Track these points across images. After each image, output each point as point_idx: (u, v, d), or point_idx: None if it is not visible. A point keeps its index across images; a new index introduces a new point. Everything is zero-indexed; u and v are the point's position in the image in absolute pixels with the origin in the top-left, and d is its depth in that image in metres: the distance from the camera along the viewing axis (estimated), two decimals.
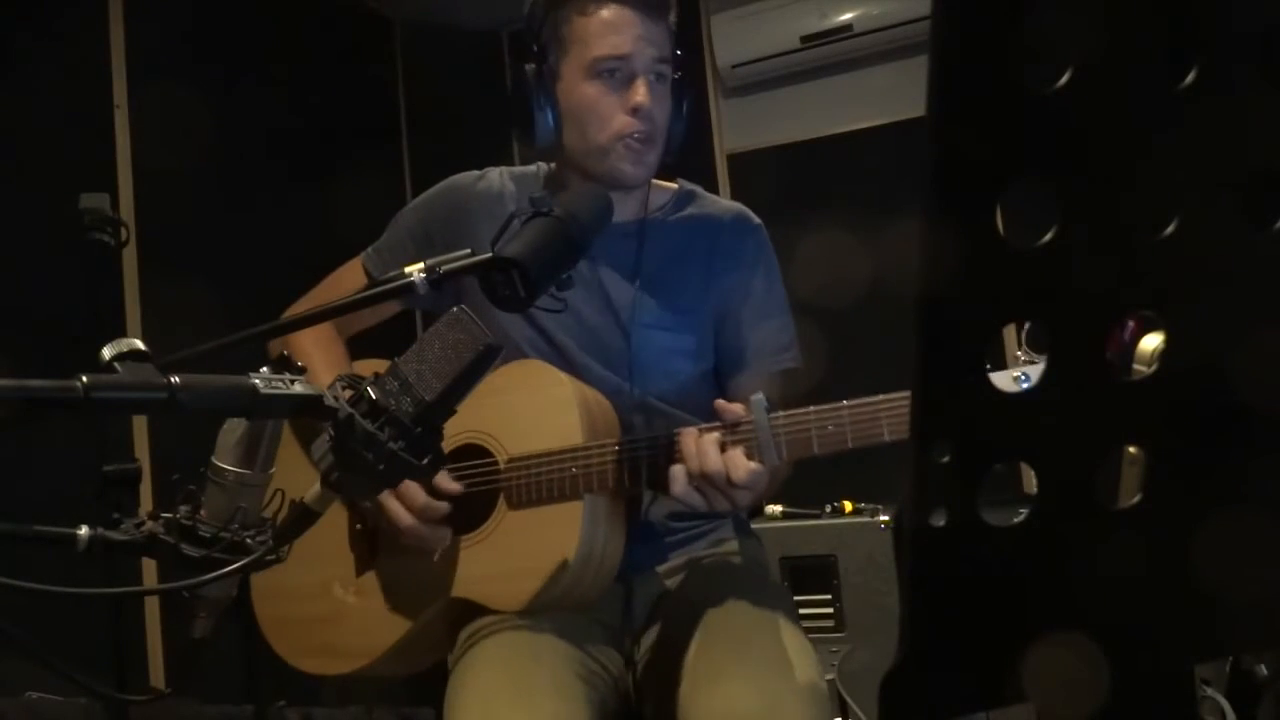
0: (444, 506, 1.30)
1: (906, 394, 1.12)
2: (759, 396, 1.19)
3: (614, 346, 1.41)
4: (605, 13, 1.34)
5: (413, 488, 1.28)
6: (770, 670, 1.19)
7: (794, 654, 1.23)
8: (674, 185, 1.53)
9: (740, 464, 1.17)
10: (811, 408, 1.19)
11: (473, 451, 1.36)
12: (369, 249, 1.52)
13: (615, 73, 1.35)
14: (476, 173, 1.52)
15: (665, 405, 1.41)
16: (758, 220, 1.52)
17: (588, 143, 1.38)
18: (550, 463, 1.29)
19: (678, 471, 1.20)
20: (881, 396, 1.16)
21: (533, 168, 1.53)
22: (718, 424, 1.22)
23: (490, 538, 1.32)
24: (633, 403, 1.39)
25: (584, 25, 1.35)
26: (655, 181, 1.50)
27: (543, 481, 1.29)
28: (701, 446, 1.19)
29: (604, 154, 1.37)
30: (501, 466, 1.33)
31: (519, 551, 1.29)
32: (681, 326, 1.44)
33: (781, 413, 1.20)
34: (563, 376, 1.34)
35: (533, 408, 1.32)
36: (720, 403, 1.23)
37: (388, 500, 1.29)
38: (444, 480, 1.30)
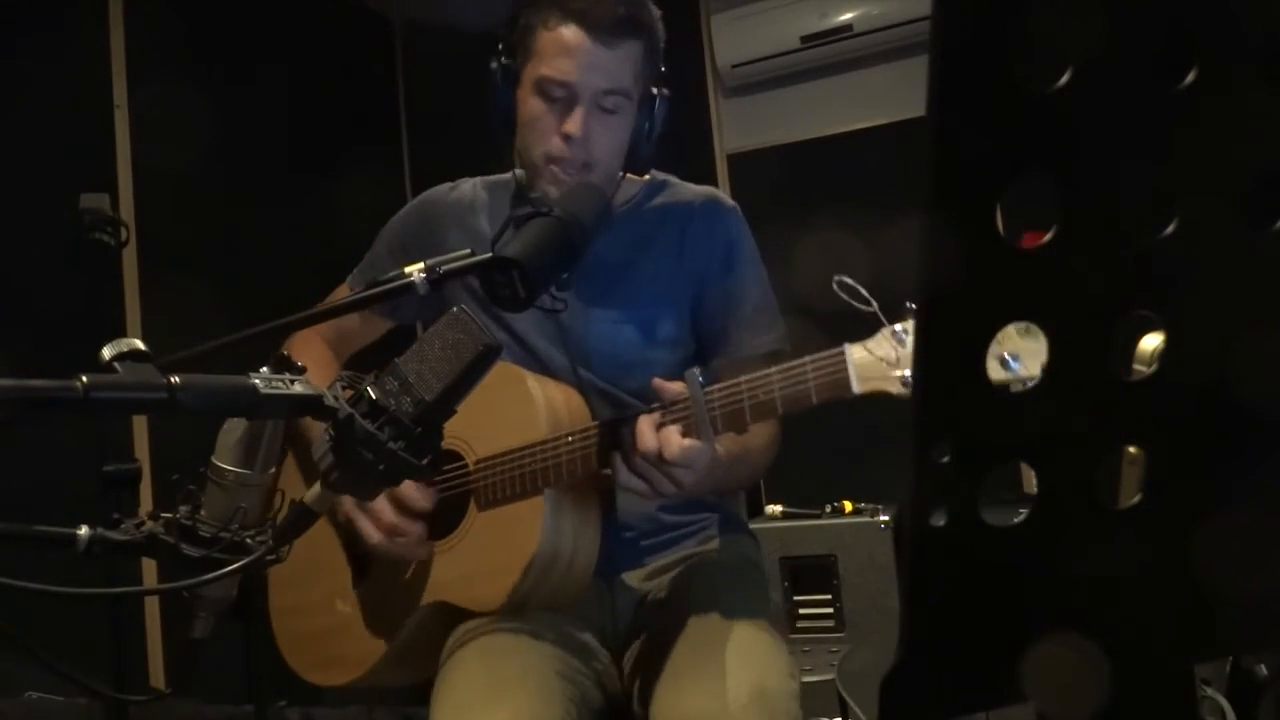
0: (412, 528, 1.30)
1: (832, 352, 1.13)
2: (693, 371, 1.17)
3: (581, 344, 1.41)
4: (564, 32, 1.30)
5: (382, 506, 1.29)
6: (728, 674, 1.18)
7: (759, 655, 1.23)
8: (646, 178, 1.50)
9: (672, 441, 1.15)
10: (744, 378, 1.17)
11: (446, 456, 1.36)
12: (355, 270, 1.54)
13: (558, 95, 1.32)
14: (450, 184, 1.53)
15: (641, 399, 1.40)
16: (731, 203, 1.50)
17: (524, 154, 1.38)
18: (513, 460, 1.29)
19: (617, 458, 1.19)
20: (809, 358, 1.14)
21: (507, 175, 1.52)
22: (658, 404, 1.20)
23: (463, 541, 1.33)
24: (605, 399, 1.39)
25: (543, 39, 1.32)
26: (628, 176, 1.48)
27: (506, 480, 1.29)
28: (638, 427, 1.17)
29: (536, 170, 1.36)
30: (471, 469, 1.33)
31: (488, 551, 1.30)
32: (652, 318, 1.42)
33: (716, 385, 1.17)
34: (524, 374, 1.34)
35: (497, 407, 1.32)
36: (658, 381, 1.21)
37: (358, 516, 1.30)
38: (412, 491, 1.30)
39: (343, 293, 1.52)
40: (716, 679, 1.18)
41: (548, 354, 1.41)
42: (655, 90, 1.38)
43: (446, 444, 1.35)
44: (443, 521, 1.34)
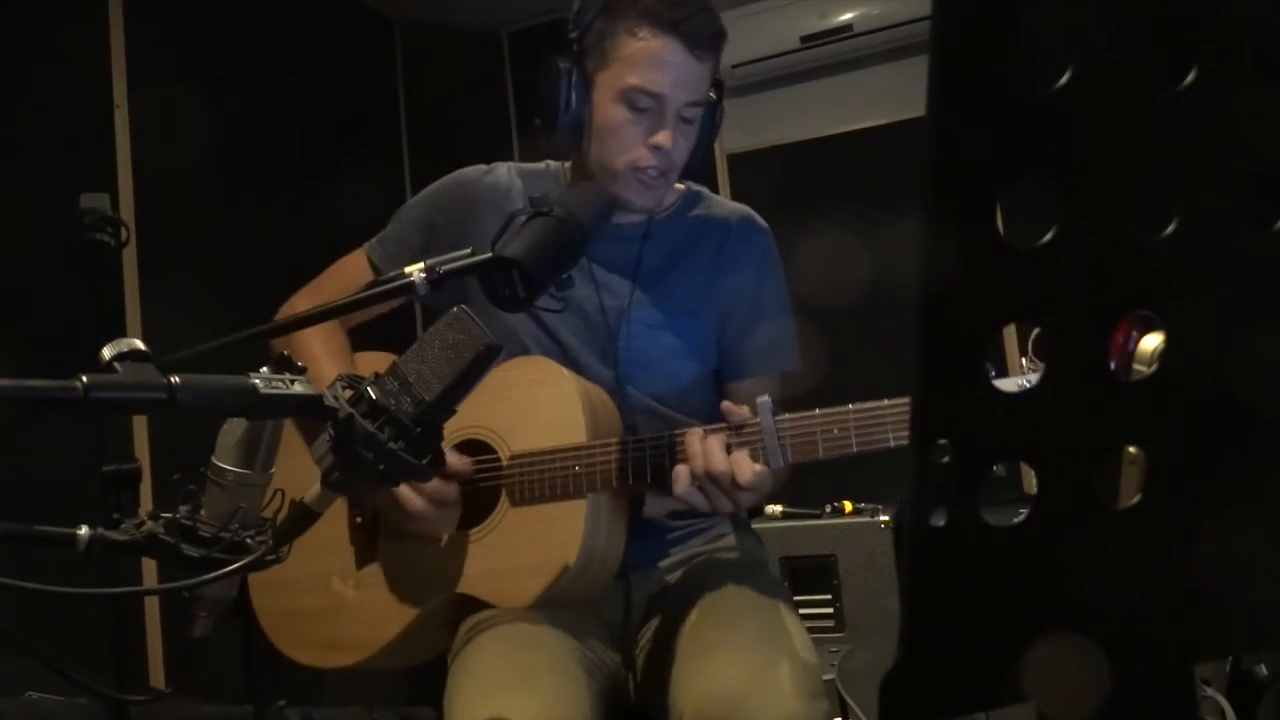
0: (454, 490, 1.30)
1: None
2: (765, 399, 1.20)
3: (612, 346, 1.41)
4: (654, 43, 1.30)
5: None
6: (757, 647, 1.19)
7: (783, 632, 1.23)
8: (681, 186, 1.52)
9: (746, 466, 1.17)
10: (817, 411, 1.19)
11: (475, 447, 1.36)
12: (373, 240, 1.51)
13: (645, 105, 1.32)
14: (484, 166, 1.51)
15: (665, 405, 1.42)
16: (764, 223, 1.52)
17: (603, 161, 1.37)
18: (554, 460, 1.29)
19: (681, 471, 1.21)
20: (887, 401, 1.16)
21: (541, 165, 1.52)
22: (723, 425, 1.22)
23: (492, 534, 1.32)
24: (631, 402, 1.39)
25: (629, 47, 1.31)
26: None
27: (546, 479, 1.29)
28: (708, 447, 1.19)
29: (616, 177, 1.36)
30: (504, 463, 1.33)
31: (521, 549, 1.30)
32: (683, 327, 1.44)
33: (788, 415, 1.20)
34: (567, 374, 1.34)
35: (537, 405, 1.33)
36: (727, 404, 1.23)
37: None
38: (453, 459, 1.30)
39: (359, 260, 1.50)
40: (749, 648, 1.18)
41: (580, 353, 1.41)
42: (713, 96, 1.40)
43: (477, 435, 1.36)
44: (467, 512, 1.34)
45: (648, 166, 1.35)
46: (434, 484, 1.28)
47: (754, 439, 1.20)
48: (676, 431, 1.25)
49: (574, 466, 1.27)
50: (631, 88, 1.31)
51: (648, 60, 1.31)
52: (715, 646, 1.20)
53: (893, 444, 1.15)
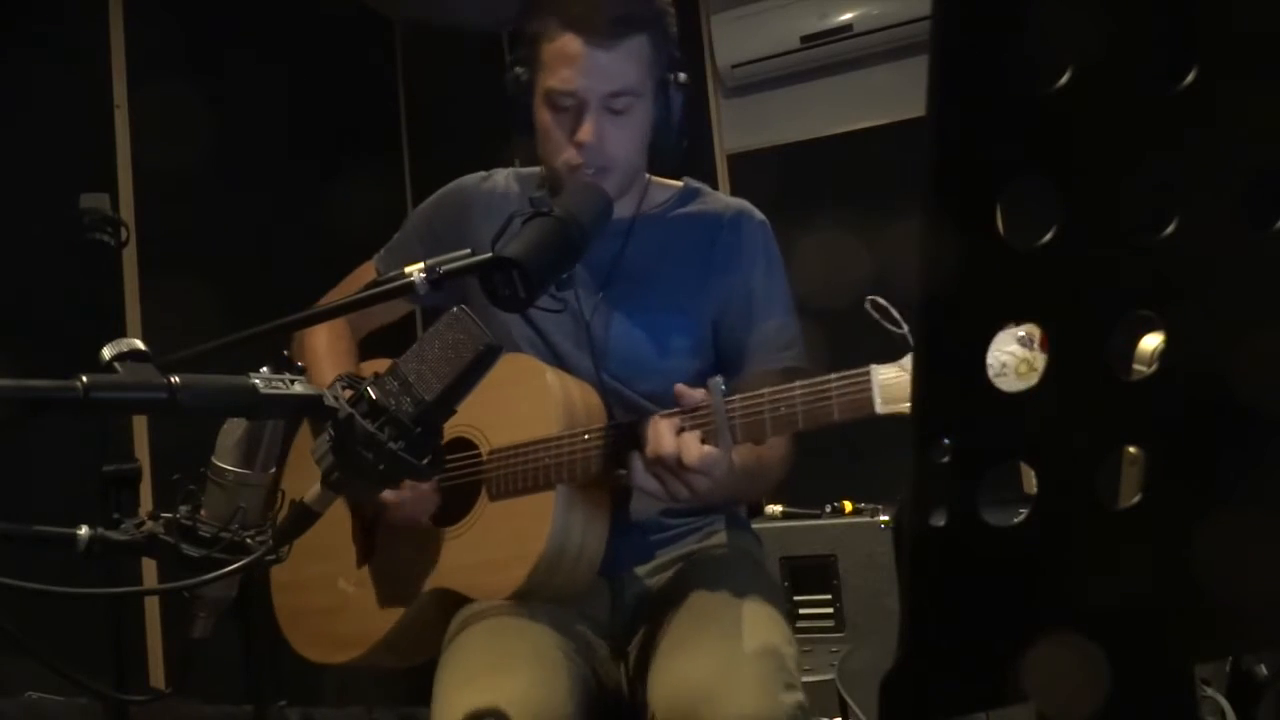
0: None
1: (858, 372, 1.14)
2: (717, 379, 1.19)
3: (600, 344, 1.41)
4: (561, 41, 1.31)
5: None
6: (726, 641, 1.19)
7: (756, 624, 1.23)
8: (678, 183, 1.52)
9: (692, 447, 1.16)
10: (766, 389, 1.19)
11: (461, 445, 1.37)
12: (382, 250, 1.54)
13: (566, 104, 1.33)
14: (483, 174, 1.53)
15: (656, 403, 1.41)
16: (761, 216, 1.51)
17: (545, 163, 1.40)
18: (526, 453, 1.30)
19: (635, 457, 1.21)
20: (834, 375, 1.16)
21: (539, 169, 1.53)
22: (678, 409, 1.22)
23: (472, 529, 1.34)
24: (617, 399, 1.40)
25: (545, 51, 1.33)
26: (658, 179, 1.50)
27: (518, 472, 1.31)
28: (657, 430, 1.19)
29: (559, 177, 1.37)
30: (484, 458, 1.34)
31: (496, 542, 1.32)
32: (669, 325, 1.43)
33: (737, 396, 1.19)
34: (545, 369, 1.35)
35: (515, 400, 1.34)
36: (680, 387, 1.22)
37: None
38: None
39: (368, 271, 1.52)
40: (718, 642, 1.19)
41: (569, 353, 1.42)
42: (670, 77, 1.38)
43: (461, 432, 1.37)
44: (453, 508, 1.35)
45: (578, 165, 1.34)
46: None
47: (705, 421, 1.19)
48: (636, 419, 1.25)
49: (544, 458, 1.29)
50: (549, 90, 1.33)
51: (557, 59, 1.32)
52: (685, 642, 1.21)
53: (837, 417, 1.14)
